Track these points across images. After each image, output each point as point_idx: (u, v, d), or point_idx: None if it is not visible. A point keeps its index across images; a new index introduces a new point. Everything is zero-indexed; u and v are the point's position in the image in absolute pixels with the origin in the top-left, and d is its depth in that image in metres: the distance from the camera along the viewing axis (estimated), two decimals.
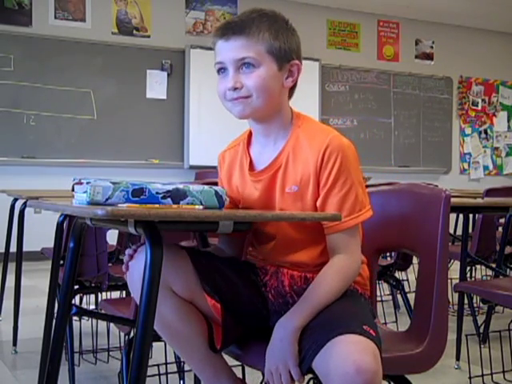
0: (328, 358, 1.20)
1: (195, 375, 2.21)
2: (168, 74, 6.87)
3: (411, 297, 1.81)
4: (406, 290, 2.91)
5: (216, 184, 1.54)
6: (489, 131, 8.90)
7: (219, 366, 1.46)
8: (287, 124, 1.50)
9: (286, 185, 1.46)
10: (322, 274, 1.41)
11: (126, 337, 2.04)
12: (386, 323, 2.96)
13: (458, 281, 2.66)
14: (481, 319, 3.26)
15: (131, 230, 1.24)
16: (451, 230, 4.15)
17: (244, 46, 1.42)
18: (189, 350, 1.45)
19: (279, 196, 1.47)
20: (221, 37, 1.45)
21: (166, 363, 2.20)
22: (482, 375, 2.52)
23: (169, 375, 2.20)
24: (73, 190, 1.33)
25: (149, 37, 6.89)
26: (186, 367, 2.25)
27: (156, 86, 6.82)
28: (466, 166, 8.74)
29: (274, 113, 1.48)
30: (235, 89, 1.43)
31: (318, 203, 1.42)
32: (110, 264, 2.72)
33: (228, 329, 1.43)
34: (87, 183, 1.25)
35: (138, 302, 1.28)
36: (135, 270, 1.38)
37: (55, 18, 6.47)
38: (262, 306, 1.49)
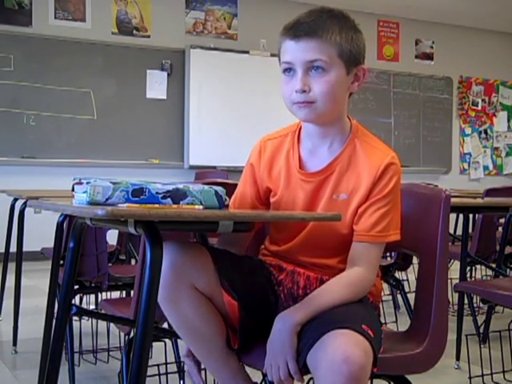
0: (319, 349, 1.21)
1: None
2: (168, 74, 6.87)
3: (411, 297, 1.81)
4: (406, 290, 2.91)
5: (216, 184, 1.52)
6: (489, 131, 8.89)
7: (236, 367, 1.45)
8: (345, 130, 1.50)
9: (335, 191, 1.46)
10: (335, 280, 1.41)
11: (126, 337, 2.04)
12: (386, 323, 2.96)
13: (458, 281, 2.66)
14: (481, 319, 3.26)
15: (131, 230, 1.24)
16: (451, 230, 4.15)
17: (316, 49, 1.39)
18: (206, 349, 1.44)
19: (325, 201, 1.47)
20: (292, 37, 1.42)
21: (166, 363, 2.20)
22: (482, 375, 2.52)
23: (169, 375, 2.20)
24: (73, 189, 1.33)
25: (149, 37, 6.88)
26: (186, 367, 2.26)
27: (156, 85, 6.82)
28: (466, 165, 8.74)
29: (336, 117, 1.47)
30: (303, 91, 1.41)
31: (359, 211, 1.44)
32: (110, 264, 2.73)
33: (245, 327, 1.42)
34: (87, 183, 1.26)
35: None
36: None
37: (55, 17, 6.47)
38: (274, 303, 1.49)
